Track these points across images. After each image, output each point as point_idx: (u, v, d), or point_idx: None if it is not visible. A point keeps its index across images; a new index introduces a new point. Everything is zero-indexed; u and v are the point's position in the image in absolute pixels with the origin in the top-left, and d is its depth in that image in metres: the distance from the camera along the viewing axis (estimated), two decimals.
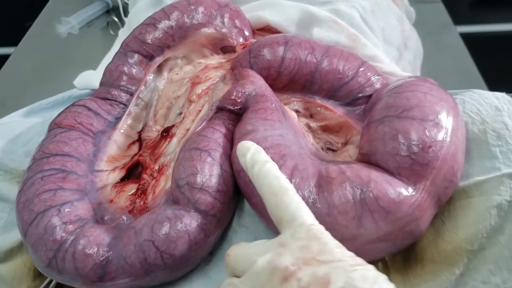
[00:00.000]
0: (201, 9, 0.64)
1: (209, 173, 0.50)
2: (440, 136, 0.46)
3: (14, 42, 1.30)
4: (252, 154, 0.44)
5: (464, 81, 1.09)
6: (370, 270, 0.34)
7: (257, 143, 0.49)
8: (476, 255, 0.45)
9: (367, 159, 0.49)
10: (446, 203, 0.49)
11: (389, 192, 0.44)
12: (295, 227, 0.38)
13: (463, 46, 1.19)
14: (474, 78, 1.10)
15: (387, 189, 0.44)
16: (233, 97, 0.56)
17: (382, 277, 0.34)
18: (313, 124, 0.60)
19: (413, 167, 0.45)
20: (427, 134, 0.45)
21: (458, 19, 1.31)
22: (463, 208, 0.48)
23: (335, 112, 0.58)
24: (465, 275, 0.45)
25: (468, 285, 0.45)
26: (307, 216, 0.38)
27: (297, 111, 0.60)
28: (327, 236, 0.37)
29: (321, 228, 0.38)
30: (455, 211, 0.48)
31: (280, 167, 0.47)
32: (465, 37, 1.22)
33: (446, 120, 0.47)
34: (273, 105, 0.55)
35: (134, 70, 0.61)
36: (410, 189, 0.45)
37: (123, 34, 0.85)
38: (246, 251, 0.39)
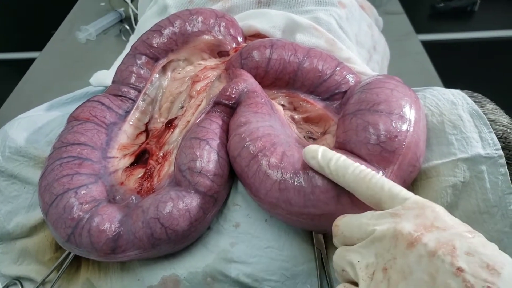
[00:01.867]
0: (200, 18, 0.62)
1: (207, 159, 0.49)
2: (405, 127, 0.45)
3: (39, 47, 1.29)
4: (322, 153, 0.42)
5: (424, 81, 1.08)
6: (483, 237, 0.31)
7: (250, 133, 0.49)
8: None
9: (343, 147, 0.48)
10: (410, 184, 0.48)
11: None
12: (400, 201, 0.35)
13: (423, 51, 1.19)
14: (433, 78, 1.10)
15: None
16: (228, 93, 0.54)
17: (494, 245, 0.31)
18: (297, 116, 0.58)
19: (382, 154, 0.44)
20: (394, 125, 0.45)
21: (419, 28, 1.31)
22: (423, 187, 0.47)
23: (315, 105, 0.57)
24: None
25: None
26: (404, 190, 0.36)
27: (282, 105, 0.59)
28: (432, 203, 0.34)
29: (422, 198, 0.35)
30: (417, 190, 0.48)
31: (271, 153, 0.46)
32: (426, 44, 1.23)
33: (409, 113, 0.46)
34: (263, 100, 0.54)
35: (141, 70, 0.60)
36: (380, 173, 0.44)
37: (133, 39, 0.84)
38: (358, 221, 0.36)
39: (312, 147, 0.44)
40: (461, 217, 0.43)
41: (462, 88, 0.53)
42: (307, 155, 0.44)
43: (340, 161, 0.41)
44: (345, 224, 0.38)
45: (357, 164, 0.41)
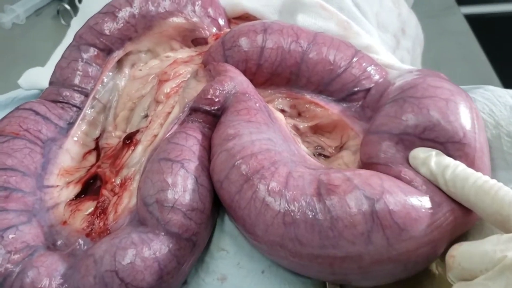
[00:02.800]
0: None
1: (183, 188, 0.48)
2: (470, 156, 0.45)
3: None
4: (437, 159, 0.44)
5: (471, 70, 1.07)
6: None
7: (242, 148, 0.48)
8: None
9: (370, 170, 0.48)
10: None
11: (406, 204, 0.42)
12: None
13: (469, 29, 1.18)
14: (482, 66, 1.08)
15: (403, 201, 0.43)
16: (209, 96, 0.54)
17: None
18: (302, 125, 0.58)
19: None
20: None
21: None
22: (473, 232, 0.47)
23: (327, 108, 0.57)
24: None
25: None
26: None
27: (282, 111, 0.59)
28: None
29: None
30: (466, 236, 0.47)
31: (272, 175, 0.46)
32: (470, 19, 1.21)
33: (474, 136, 0.46)
34: (257, 104, 0.54)
35: (89, 67, 0.59)
36: (435, 206, 0.43)
37: (76, 24, 0.84)
38: (481, 248, 0.37)
39: (422, 150, 0.45)
40: None
41: None
42: (416, 160, 0.45)
43: (459, 169, 0.42)
44: (464, 253, 0.38)
45: (479, 174, 0.41)
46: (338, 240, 0.43)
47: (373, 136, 0.50)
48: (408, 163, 0.46)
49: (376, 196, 0.43)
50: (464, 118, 0.46)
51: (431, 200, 0.44)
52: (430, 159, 0.44)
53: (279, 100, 0.59)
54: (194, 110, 0.55)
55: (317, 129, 0.58)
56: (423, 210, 0.43)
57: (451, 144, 0.45)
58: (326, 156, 0.57)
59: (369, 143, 0.50)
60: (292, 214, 0.44)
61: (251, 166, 0.47)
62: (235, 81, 0.55)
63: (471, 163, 0.44)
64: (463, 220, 0.44)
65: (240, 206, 0.47)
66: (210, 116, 0.55)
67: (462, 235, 0.47)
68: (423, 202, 0.43)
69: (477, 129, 0.46)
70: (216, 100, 0.54)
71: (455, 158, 0.44)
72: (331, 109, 0.57)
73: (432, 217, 0.43)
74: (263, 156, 0.48)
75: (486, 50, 1.13)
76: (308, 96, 0.58)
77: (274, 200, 0.45)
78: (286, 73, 0.58)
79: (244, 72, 0.58)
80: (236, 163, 0.48)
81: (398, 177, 0.46)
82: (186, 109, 0.56)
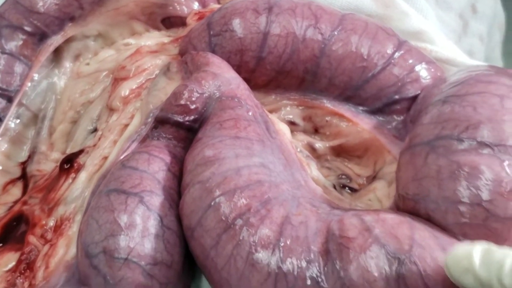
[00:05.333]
0: None
1: (141, 233, 0.49)
2: None
3: None
4: (483, 256, 0.40)
5: None
6: None
7: (223, 181, 0.50)
8: None
9: (411, 207, 0.49)
10: None
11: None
12: None
13: None
14: None
15: (441, 259, 0.43)
16: (182, 102, 0.56)
17: None
18: (320, 144, 0.60)
19: (487, 223, 0.45)
20: (508, 169, 0.45)
21: None
22: None
23: (357, 123, 0.59)
24: None
25: None
26: None
27: (292, 123, 0.60)
28: None
29: None
30: None
31: (261, 220, 0.47)
32: None
33: None
34: (250, 113, 0.55)
35: (13, 60, 0.61)
36: None
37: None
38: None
39: (461, 249, 0.42)
40: None
41: None
42: (455, 267, 0.42)
43: None
44: None
45: None
46: None
47: (405, 156, 0.51)
48: None
49: (403, 253, 0.43)
50: None
51: None
52: (472, 258, 0.41)
53: (288, 108, 0.61)
54: (161, 122, 0.56)
55: (341, 151, 0.60)
56: None
57: (504, 148, 0.46)
58: (353, 189, 0.58)
59: (402, 166, 0.51)
60: (287, 279, 0.45)
61: (234, 207, 0.48)
62: (220, 79, 0.56)
63: None
64: None
65: (216, 266, 0.47)
66: (183, 130, 0.56)
67: None
68: None
69: None
70: (192, 107, 0.55)
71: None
72: (361, 124, 0.58)
73: None
74: (252, 193, 0.49)
75: None
76: (329, 105, 0.60)
77: (262, 259, 0.46)
78: (299, 71, 0.59)
79: (239, 69, 0.59)
80: (213, 203, 0.49)
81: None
82: (150, 119, 0.57)
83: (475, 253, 0.40)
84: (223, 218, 0.48)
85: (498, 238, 0.44)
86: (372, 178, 0.58)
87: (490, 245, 0.40)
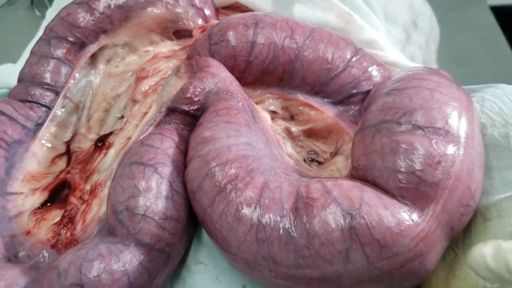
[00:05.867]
0: None
1: (155, 195, 0.49)
2: (452, 149, 0.46)
3: None
4: (495, 252, 0.39)
5: (496, 68, 1.05)
6: None
7: (217, 154, 0.50)
8: None
9: (362, 175, 0.49)
10: (461, 231, 0.48)
11: (386, 219, 0.43)
12: None
13: (495, 22, 1.16)
14: (509, 64, 1.06)
15: (383, 215, 0.43)
16: (188, 95, 0.56)
17: None
18: (294, 128, 0.60)
19: (419, 187, 0.45)
20: (435, 146, 0.45)
21: None
22: (479, 234, 0.48)
23: (323, 111, 0.58)
24: None
25: None
26: None
27: (273, 112, 0.60)
28: None
29: None
30: (470, 239, 0.48)
31: (246, 185, 0.48)
32: (497, 10, 1.19)
33: (458, 126, 0.47)
34: (240, 104, 0.55)
35: (60, 63, 0.61)
36: (415, 216, 0.44)
37: (52, 15, 0.80)
38: None
39: (476, 250, 0.41)
40: None
41: None
42: (475, 262, 0.40)
43: None
44: None
45: None
46: (315, 260, 0.44)
47: (358, 136, 0.51)
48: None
49: (354, 210, 0.44)
50: (451, 109, 0.47)
51: (413, 209, 0.44)
52: (483, 253, 0.40)
53: (270, 100, 0.61)
54: (171, 110, 0.56)
55: (311, 133, 0.60)
56: (405, 222, 0.43)
57: (433, 129, 0.46)
58: (319, 162, 0.58)
59: (355, 144, 0.51)
60: (265, 229, 0.45)
61: (225, 175, 0.49)
62: (218, 78, 0.56)
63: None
64: (451, 219, 0.45)
65: (212, 220, 0.48)
66: (188, 117, 0.56)
67: (464, 231, 0.49)
68: (404, 213, 0.44)
69: (467, 122, 0.47)
70: (196, 99, 0.56)
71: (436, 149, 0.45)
72: (326, 112, 0.58)
73: (415, 229, 0.43)
74: (239, 164, 0.49)
75: None
76: (302, 98, 0.59)
77: (246, 214, 0.46)
78: (279, 72, 0.59)
79: (232, 70, 0.59)
80: (209, 172, 0.49)
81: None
82: (163, 109, 0.57)
83: (486, 250, 0.40)
84: (217, 184, 0.48)
85: (427, 199, 0.45)
86: (334, 154, 0.58)
87: (499, 241, 0.40)
